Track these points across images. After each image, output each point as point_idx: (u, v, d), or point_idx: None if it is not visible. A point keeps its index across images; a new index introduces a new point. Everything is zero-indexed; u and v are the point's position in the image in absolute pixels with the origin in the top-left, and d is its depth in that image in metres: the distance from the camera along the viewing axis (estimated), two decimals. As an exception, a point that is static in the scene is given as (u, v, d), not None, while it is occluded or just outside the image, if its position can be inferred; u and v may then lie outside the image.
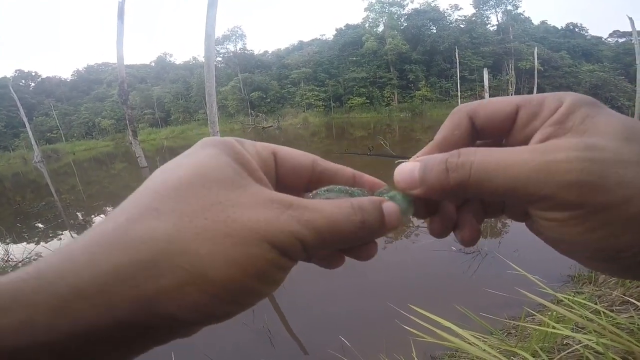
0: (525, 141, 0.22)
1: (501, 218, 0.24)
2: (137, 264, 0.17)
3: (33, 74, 39.14)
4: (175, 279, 0.17)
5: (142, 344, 0.18)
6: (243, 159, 0.21)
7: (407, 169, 0.23)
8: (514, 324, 1.71)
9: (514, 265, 1.41)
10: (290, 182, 0.25)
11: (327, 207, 0.20)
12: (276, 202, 0.20)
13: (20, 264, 3.40)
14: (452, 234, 0.26)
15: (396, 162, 0.25)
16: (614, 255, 0.19)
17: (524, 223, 0.25)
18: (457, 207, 0.26)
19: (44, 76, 39.61)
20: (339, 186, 0.24)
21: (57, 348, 0.15)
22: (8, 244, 4.52)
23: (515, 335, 1.64)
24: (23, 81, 37.94)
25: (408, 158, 0.25)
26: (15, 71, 38.46)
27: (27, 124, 17.81)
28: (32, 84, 38.47)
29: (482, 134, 0.24)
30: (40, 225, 5.75)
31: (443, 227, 0.26)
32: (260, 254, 0.18)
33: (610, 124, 0.19)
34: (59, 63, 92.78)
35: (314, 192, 0.24)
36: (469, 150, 0.21)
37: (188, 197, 0.19)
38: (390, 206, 0.22)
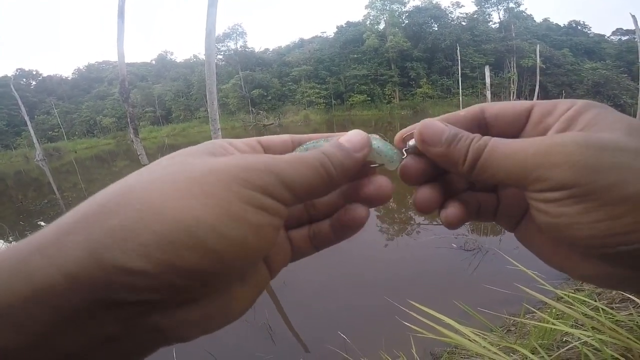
0: (540, 136, 0.23)
1: (491, 222, 0.26)
2: (92, 208, 0.16)
3: (34, 72, 39.22)
4: (123, 218, 0.15)
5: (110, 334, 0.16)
6: (226, 145, 0.22)
7: (438, 127, 0.23)
8: (513, 320, 1.72)
9: (514, 262, 1.41)
10: None
11: (302, 154, 0.21)
12: (256, 154, 0.20)
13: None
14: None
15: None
16: (612, 243, 0.18)
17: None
18: (450, 190, 0.27)
19: (45, 75, 39.74)
20: (315, 141, 0.25)
21: (14, 316, 0.14)
22: (11, 241, 4.55)
23: (515, 332, 1.65)
24: (24, 80, 37.99)
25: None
26: (17, 70, 38.53)
27: (28, 123, 17.82)
28: (34, 83, 38.53)
29: (492, 127, 0.25)
30: (42, 223, 5.78)
31: (432, 198, 0.26)
32: (223, 186, 0.17)
33: (617, 121, 0.20)
34: (59, 61, 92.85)
35: (300, 147, 0.25)
36: (486, 137, 0.22)
37: (159, 164, 0.19)
38: (348, 135, 0.23)
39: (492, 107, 0.25)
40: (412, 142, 0.25)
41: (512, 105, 0.24)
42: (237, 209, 0.17)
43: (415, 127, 0.25)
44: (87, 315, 0.15)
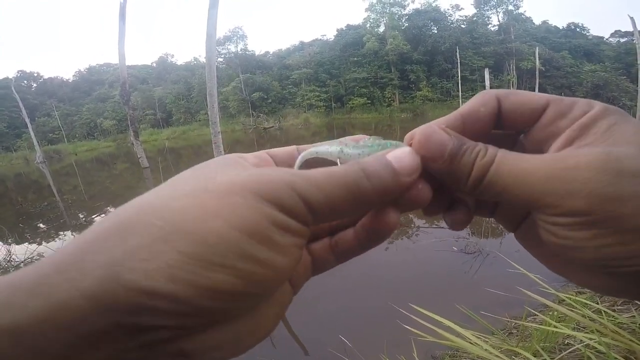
0: (547, 139, 0.22)
1: (489, 219, 0.24)
2: (113, 227, 0.15)
3: (35, 74, 39.37)
4: (144, 236, 0.15)
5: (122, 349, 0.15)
6: (242, 158, 0.22)
7: (439, 140, 0.21)
8: (515, 323, 1.71)
9: (515, 265, 1.41)
10: None
11: (333, 169, 0.19)
12: (275, 168, 0.19)
13: (22, 264, 3.41)
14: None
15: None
16: (615, 265, 0.18)
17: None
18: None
19: (45, 77, 39.90)
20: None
21: (30, 338, 0.13)
22: (10, 244, 4.54)
23: (517, 335, 1.64)
24: (25, 82, 38.11)
25: None
26: (17, 72, 38.71)
27: (29, 125, 17.87)
28: (34, 85, 38.66)
29: (506, 120, 0.23)
30: (42, 225, 5.77)
31: (439, 203, 0.25)
32: (248, 205, 0.16)
33: (635, 133, 0.19)
34: (60, 64, 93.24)
35: (306, 152, 0.24)
36: (492, 149, 0.21)
37: (179, 178, 0.19)
38: (397, 153, 0.21)
39: (508, 100, 0.23)
40: None
41: (529, 101, 0.22)
42: (263, 229, 0.16)
43: (438, 122, 0.23)
44: (108, 339, 0.14)
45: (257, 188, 0.17)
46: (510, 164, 0.20)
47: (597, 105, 0.20)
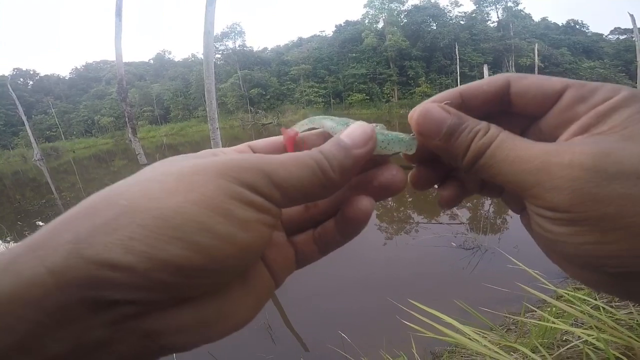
0: (565, 124, 0.21)
1: (499, 208, 0.24)
2: (80, 209, 0.16)
3: (31, 72, 39.08)
4: (108, 215, 0.15)
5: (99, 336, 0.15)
6: (222, 150, 0.22)
7: (438, 117, 0.21)
8: (513, 319, 1.72)
9: (514, 260, 1.41)
10: None
11: (297, 153, 0.20)
12: (242, 154, 0.20)
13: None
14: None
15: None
16: (596, 263, 0.18)
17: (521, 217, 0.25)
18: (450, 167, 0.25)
19: (42, 74, 39.62)
20: (321, 116, 0.23)
21: (1, 315, 0.13)
22: (9, 242, 4.53)
23: (515, 331, 1.65)
24: (21, 79, 37.84)
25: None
26: (14, 69, 38.38)
27: (26, 123, 17.78)
28: (31, 82, 38.37)
29: (516, 104, 0.22)
30: (40, 223, 5.76)
31: (427, 178, 0.25)
32: (208, 180, 0.17)
33: None
34: (57, 61, 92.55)
35: (299, 123, 0.24)
36: (495, 129, 0.21)
37: (160, 163, 0.19)
38: (350, 129, 0.21)
39: (519, 83, 0.22)
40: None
41: (542, 84, 0.21)
42: (222, 203, 0.16)
43: (436, 99, 0.23)
44: (75, 316, 0.14)
45: (220, 167, 0.17)
46: (508, 148, 0.20)
47: (623, 92, 0.19)
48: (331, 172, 0.19)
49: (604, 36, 33.52)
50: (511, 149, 0.20)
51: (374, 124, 0.23)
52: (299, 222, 0.24)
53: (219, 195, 0.16)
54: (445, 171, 0.25)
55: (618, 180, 0.16)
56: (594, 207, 0.17)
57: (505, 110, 0.23)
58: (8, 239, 4.73)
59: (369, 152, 0.21)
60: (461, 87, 0.23)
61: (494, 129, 0.21)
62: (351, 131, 0.21)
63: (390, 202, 5.03)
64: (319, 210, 0.24)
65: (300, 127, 0.25)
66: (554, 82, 0.21)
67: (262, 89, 29.49)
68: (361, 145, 0.21)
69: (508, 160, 0.19)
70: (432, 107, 0.22)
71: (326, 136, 0.24)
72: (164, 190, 0.16)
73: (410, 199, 4.58)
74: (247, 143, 0.24)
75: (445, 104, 0.22)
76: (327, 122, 0.23)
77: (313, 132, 0.25)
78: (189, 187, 0.16)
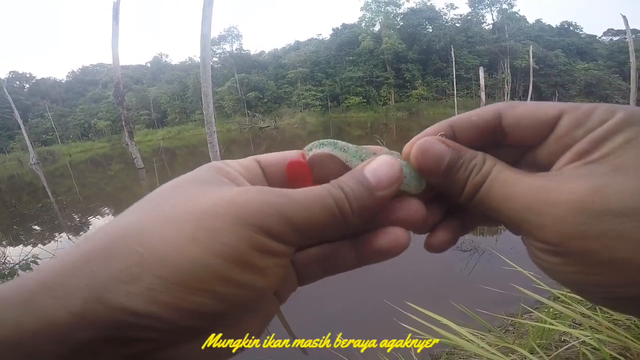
0: (563, 150, 0.20)
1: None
2: (94, 251, 0.16)
3: (27, 75, 38.70)
4: (125, 261, 0.15)
5: None
6: (224, 170, 0.21)
7: (437, 152, 0.21)
8: (511, 320, 1.73)
9: (510, 262, 1.42)
10: (280, 181, 0.23)
11: (313, 188, 0.19)
12: (253, 188, 0.19)
13: (17, 266, 3.37)
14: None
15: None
16: (587, 291, 0.19)
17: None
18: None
19: (38, 77, 39.19)
20: (333, 140, 0.22)
21: (23, 350, 0.14)
22: (5, 246, 4.49)
23: (513, 332, 1.65)
24: (17, 82, 37.54)
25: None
26: (9, 72, 37.98)
27: (22, 126, 17.64)
28: (27, 86, 38.08)
29: (510, 135, 0.22)
30: (36, 227, 5.72)
31: (430, 222, 0.24)
32: (228, 229, 0.16)
33: None
34: (53, 64, 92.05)
35: (308, 145, 0.23)
36: (489, 164, 0.21)
37: (161, 196, 0.19)
38: (374, 165, 0.20)
39: (511, 113, 0.21)
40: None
41: (535, 112, 0.21)
42: (244, 254, 0.16)
43: (427, 133, 0.23)
44: (95, 351, 0.15)
45: (239, 213, 0.17)
46: (499, 185, 0.20)
47: (619, 114, 0.19)
48: (350, 214, 0.19)
49: (597, 38, 33.86)
50: (502, 185, 0.20)
51: (392, 153, 0.22)
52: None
53: (239, 246, 0.16)
54: (443, 210, 0.24)
55: (604, 218, 0.16)
56: (580, 243, 0.17)
57: (500, 143, 0.22)
58: (4, 242, 4.68)
59: (394, 193, 0.20)
60: (451, 120, 0.23)
61: (488, 163, 0.21)
62: (377, 167, 0.20)
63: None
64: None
65: (309, 151, 0.23)
66: (548, 108, 0.21)
67: (260, 92, 29.48)
68: (386, 186, 0.20)
69: (499, 197, 0.20)
70: (431, 141, 0.21)
71: (338, 162, 0.22)
72: (181, 236, 0.16)
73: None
74: (254, 157, 0.24)
75: (440, 135, 0.22)
76: (339, 152, 0.22)
77: (272, 156, 0.24)
78: (208, 235, 0.16)
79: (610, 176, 0.17)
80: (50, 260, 0.16)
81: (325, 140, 0.22)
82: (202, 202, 0.17)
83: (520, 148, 0.22)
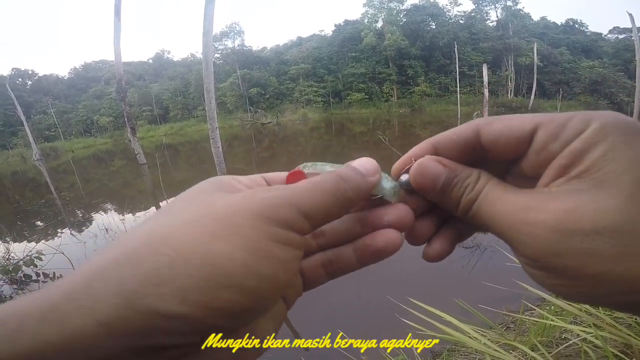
0: (544, 164, 0.21)
1: None
2: (122, 256, 0.16)
3: (30, 72, 38.77)
4: (154, 265, 0.15)
5: None
6: (227, 181, 0.22)
7: (434, 172, 0.23)
8: (513, 317, 1.73)
9: (513, 258, 1.41)
10: None
11: (314, 179, 0.21)
12: (262, 187, 0.21)
13: (21, 262, 3.40)
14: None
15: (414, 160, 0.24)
16: (574, 299, 0.20)
17: None
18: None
19: (41, 74, 39.28)
20: (321, 164, 0.25)
21: None
22: (9, 242, 4.52)
23: (515, 329, 1.65)
24: (20, 79, 37.63)
25: None
26: (12, 69, 38.05)
27: (25, 123, 17.70)
28: (29, 82, 38.16)
29: (491, 152, 0.23)
30: (40, 223, 5.75)
31: (426, 232, 0.25)
32: (249, 224, 0.17)
33: (629, 169, 0.18)
34: (56, 61, 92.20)
35: (303, 164, 0.25)
36: (483, 181, 0.22)
37: (186, 200, 0.19)
38: (360, 161, 0.23)
39: (488, 130, 0.22)
40: (404, 178, 0.24)
41: (512, 128, 0.21)
42: (266, 246, 0.17)
43: (414, 154, 0.24)
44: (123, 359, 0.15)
45: (256, 208, 0.18)
46: (489, 203, 0.21)
47: (594, 123, 0.19)
48: (351, 195, 0.21)
49: (603, 35, 33.51)
50: (491, 203, 0.21)
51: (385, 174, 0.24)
52: (306, 247, 0.24)
53: (261, 239, 0.17)
54: (439, 221, 0.26)
55: (576, 237, 0.17)
56: (557, 260, 0.18)
57: (484, 158, 0.23)
58: (7, 239, 4.72)
59: (378, 180, 0.23)
60: (434, 140, 0.24)
61: (481, 181, 0.22)
62: (361, 161, 0.23)
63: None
64: (327, 239, 0.25)
65: (304, 168, 0.25)
66: (524, 122, 0.21)
67: (262, 88, 29.41)
68: (372, 173, 0.22)
69: (488, 215, 0.21)
70: (428, 161, 0.23)
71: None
72: (206, 234, 0.16)
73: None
74: (261, 175, 0.25)
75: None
76: (328, 167, 0.24)
77: (277, 175, 0.26)
78: (230, 231, 0.17)
79: (589, 194, 0.18)
80: (72, 271, 0.16)
81: (319, 162, 0.25)
82: (217, 204, 0.18)
83: (503, 162, 0.23)
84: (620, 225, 0.17)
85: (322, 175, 0.21)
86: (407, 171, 0.24)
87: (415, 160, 0.24)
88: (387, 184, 0.24)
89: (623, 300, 0.18)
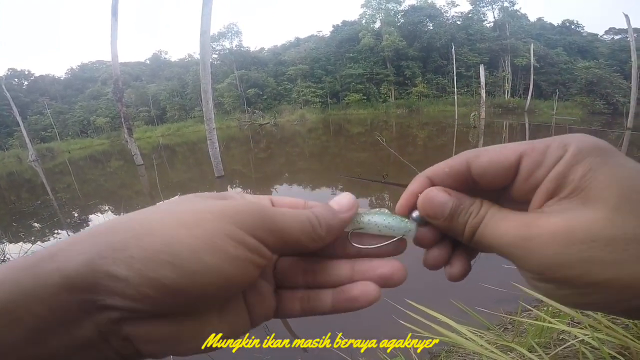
0: (530, 191, 0.23)
1: None
2: (102, 228, 0.19)
3: (26, 72, 38.59)
4: (124, 235, 0.18)
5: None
6: (242, 195, 0.25)
7: (441, 201, 0.24)
8: (510, 319, 1.73)
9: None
10: None
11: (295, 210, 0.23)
12: (245, 200, 0.23)
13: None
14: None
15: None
16: (580, 308, 0.21)
17: None
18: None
19: (37, 75, 39.08)
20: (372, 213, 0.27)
21: (15, 311, 0.16)
22: (4, 243, 4.48)
23: (512, 331, 1.65)
24: (16, 80, 37.41)
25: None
26: (8, 70, 37.85)
27: (21, 123, 17.59)
28: (25, 83, 37.95)
29: (481, 183, 0.24)
30: (36, 224, 5.71)
31: (442, 258, 0.27)
32: (213, 220, 0.19)
33: (609, 185, 0.19)
34: (52, 62, 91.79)
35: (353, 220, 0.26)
36: (485, 209, 0.24)
37: (180, 200, 0.22)
38: (338, 198, 0.26)
39: (477, 164, 0.24)
40: (415, 214, 0.26)
41: (498, 160, 0.23)
42: (219, 240, 0.19)
43: (414, 189, 0.26)
44: (71, 317, 0.17)
45: (227, 210, 0.20)
46: (491, 227, 0.23)
47: (571, 147, 0.21)
48: (319, 229, 0.23)
49: (599, 36, 33.75)
50: (493, 227, 0.22)
51: (380, 210, 0.26)
52: (292, 281, 0.27)
53: (218, 233, 0.19)
54: (452, 245, 0.27)
55: (575, 245, 0.19)
56: (560, 270, 0.19)
57: (475, 188, 0.25)
58: (3, 240, 4.68)
59: (353, 215, 0.25)
60: (427, 173, 0.26)
61: (484, 208, 0.24)
62: (339, 198, 0.26)
63: (386, 201, 5.03)
64: (316, 281, 0.26)
65: None
66: (508, 153, 0.23)
67: (259, 89, 29.39)
68: (346, 210, 0.25)
69: (491, 237, 0.22)
70: (435, 191, 0.25)
71: (298, 204, 0.28)
72: (175, 221, 0.19)
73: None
74: (269, 197, 0.28)
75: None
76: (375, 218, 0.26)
77: (287, 201, 0.28)
78: (196, 223, 0.19)
79: (579, 211, 0.19)
80: (60, 242, 0.18)
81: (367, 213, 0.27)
82: (200, 204, 0.21)
83: (494, 191, 0.25)
84: (612, 233, 0.18)
85: (302, 210, 0.24)
86: (415, 208, 0.26)
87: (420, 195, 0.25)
88: (401, 224, 0.25)
89: (635, 304, 0.18)
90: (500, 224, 0.22)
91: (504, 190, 0.25)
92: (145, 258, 0.17)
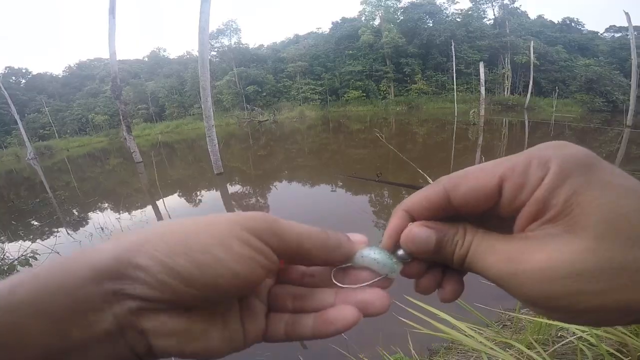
0: (515, 212, 0.22)
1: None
2: (128, 233, 0.21)
3: (23, 70, 38.34)
4: (149, 234, 0.21)
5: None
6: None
7: (424, 237, 0.24)
8: (509, 315, 1.73)
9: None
10: None
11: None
12: (260, 213, 0.24)
13: (16, 261, 3.37)
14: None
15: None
16: (586, 325, 0.22)
17: None
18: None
19: (34, 73, 38.86)
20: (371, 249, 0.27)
21: (45, 304, 0.17)
22: (3, 242, 4.48)
23: (511, 327, 1.66)
24: (13, 78, 37.19)
25: (417, 187, 0.26)
26: (5, 68, 37.60)
27: (19, 121, 17.52)
28: (23, 81, 37.70)
29: (463, 210, 0.24)
30: (35, 222, 5.70)
31: (432, 285, 0.27)
32: (226, 224, 0.22)
33: (595, 210, 0.19)
34: (50, 59, 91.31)
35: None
36: (469, 237, 0.24)
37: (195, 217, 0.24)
38: (357, 236, 0.27)
39: (457, 193, 0.23)
40: (400, 252, 0.26)
41: (477, 188, 0.23)
42: (227, 238, 0.21)
43: (395, 226, 0.26)
44: (96, 307, 0.18)
45: (238, 218, 0.22)
46: (478, 256, 0.23)
47: (552, 164, 0.20)
48: (329, 240, 0.25)
49: (599, 34, 33.66)
50: (481, 258, 0.23)
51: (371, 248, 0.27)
52: (282, 304, 0.27)
53: (227, 233, 0.21)
54: (442, 269, 0.27)
55: (560, 280, 0.19)
56: (550, 302, 0.19)
57: (457, 214, 0.25)
58: (2, 238, 4.67)
59: (356, 249, 0.26)
60: (404, 206, 0.26)
61: (468, 236, 0.24)
62: (358, 237, 0.27)
63: (386, 199, 5.04)
64: (302, 305, 0.27)
65: None
66: (487, 178, 0.22)
67: (258, 86, 29.27)
68: (357, 241, 0.27)
69: (479, 266, 0.23)
70: (415, 228, 0.25)
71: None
72: (194, 223, 0.22)
73: (406, 195, 4.58)
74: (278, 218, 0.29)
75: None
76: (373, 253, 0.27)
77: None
78: (210, 225, 0.22)
79: (562, 238, 0.19)
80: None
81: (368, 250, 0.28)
82: (220, 215, 0.23)
83: (478, 214, 0.25)
84: (598, 265, 0.18)
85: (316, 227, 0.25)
86: (399, 247, 0.26)
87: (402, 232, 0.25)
88: (387, 262, 0.26)
89: (631, 320, 0.19)
90: (486, 257, 0.22)
91: (489, 209, 0.24)
92: (166, 249, 0.20)
